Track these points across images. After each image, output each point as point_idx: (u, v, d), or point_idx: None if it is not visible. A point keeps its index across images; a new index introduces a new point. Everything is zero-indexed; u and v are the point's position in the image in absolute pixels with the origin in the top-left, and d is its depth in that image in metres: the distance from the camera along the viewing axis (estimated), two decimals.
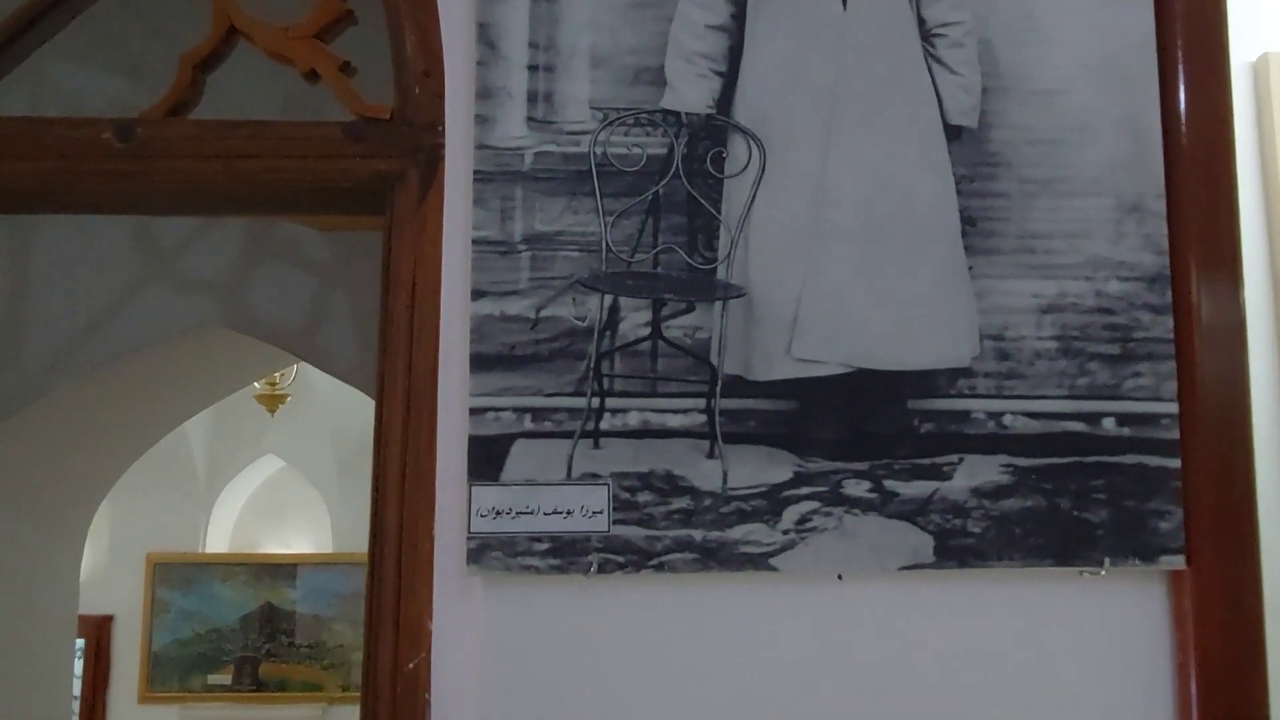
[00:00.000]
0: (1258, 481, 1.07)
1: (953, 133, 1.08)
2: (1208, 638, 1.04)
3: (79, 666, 5.44)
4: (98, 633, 5.04)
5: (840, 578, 1.04)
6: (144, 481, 4.55)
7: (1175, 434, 1.05)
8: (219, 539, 5.82)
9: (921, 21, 1.10)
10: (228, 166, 1.27)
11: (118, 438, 2.54)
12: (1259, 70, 1.92)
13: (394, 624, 1.10)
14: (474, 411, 1.02)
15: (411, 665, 1.08)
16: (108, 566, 5.27)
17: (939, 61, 1.09)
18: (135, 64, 2.10)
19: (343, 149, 1.27)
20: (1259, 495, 1.07)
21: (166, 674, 5.23)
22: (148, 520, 5.35)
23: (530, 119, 1.06)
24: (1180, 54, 1.11)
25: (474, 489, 1.01)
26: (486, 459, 1.01)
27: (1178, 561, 1.04)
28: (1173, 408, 1.06)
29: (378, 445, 1.15)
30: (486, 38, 1.07)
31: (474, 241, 1.04)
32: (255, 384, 4.60)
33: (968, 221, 1.07)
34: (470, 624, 1.02)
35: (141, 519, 5.32)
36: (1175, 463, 1.05)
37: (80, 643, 5.44)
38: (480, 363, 1.02)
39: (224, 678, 5.35)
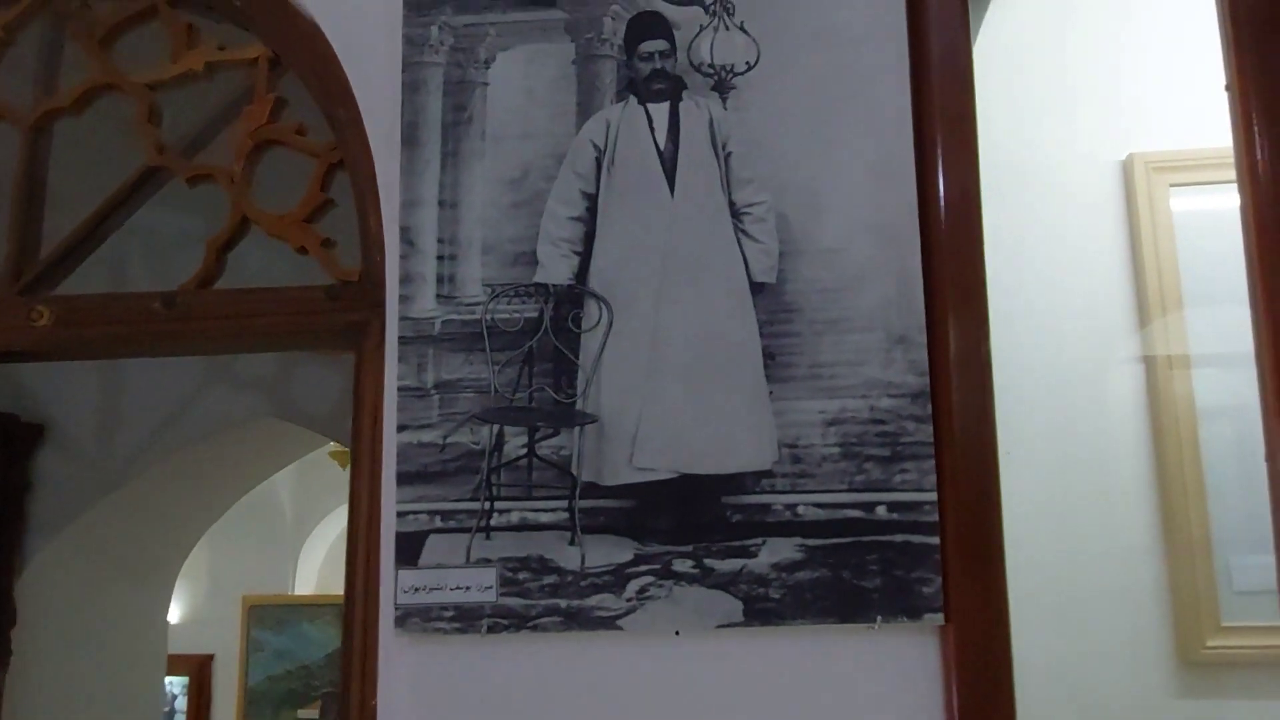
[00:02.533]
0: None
1: (756, 288, 1.40)
2: (966, 680, 1.31)
3: (183, 702, 6.01)
4: (200, 671, 5.61)
5: (678, 633, 1.35)
6: (239, 530, 5.07)
7: (935, 517, 1.34)
8: (306, 581, 6.34)
9: (732, 203, 1.42)
10: (242, 323, 1.69)
11: (192, 508, 3.00)
12: (1126, 169, 2.15)
13: (361, 671, 1.45)
14: (400, 515, 1.37)
15: (373, 702, 1.43)
16: (207, 609, 5.85)
17: (745, 233, 1.41)
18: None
19: (324, 306, 1.66)
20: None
21: (261, 708, 5.75)
22: (242, 565, 5.89)
23: (439, 295, 1.42)
24: (943, 218, 1.39)
25: (399, 572, 1.36)
26: (408, 549, 1.36)
27: (938, 618, 1.32)
28: (932, 496, 1.34)
29: (350, 537, 1.51)
30: (407, 238, 1.44)
31: (399, 390, 1.39)
32: (331, 442, 5.12)
33: (768, 356, 1.38)
34: (402, 673, 1.37)
35: (237, 564, 5.86)
36: (935, 540, 1.33)
37: (184, 680, 6.00)
38: (403, 478, 1.38)
39: (312, 712, 5.83)
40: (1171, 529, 1.99)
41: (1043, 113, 2.14)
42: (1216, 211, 2.04)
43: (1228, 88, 1.47)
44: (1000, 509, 1.34)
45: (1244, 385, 1.90)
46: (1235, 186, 2.05)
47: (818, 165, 1.43)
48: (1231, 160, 1.41)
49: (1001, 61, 2.18)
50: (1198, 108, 2.13)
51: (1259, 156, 1.40)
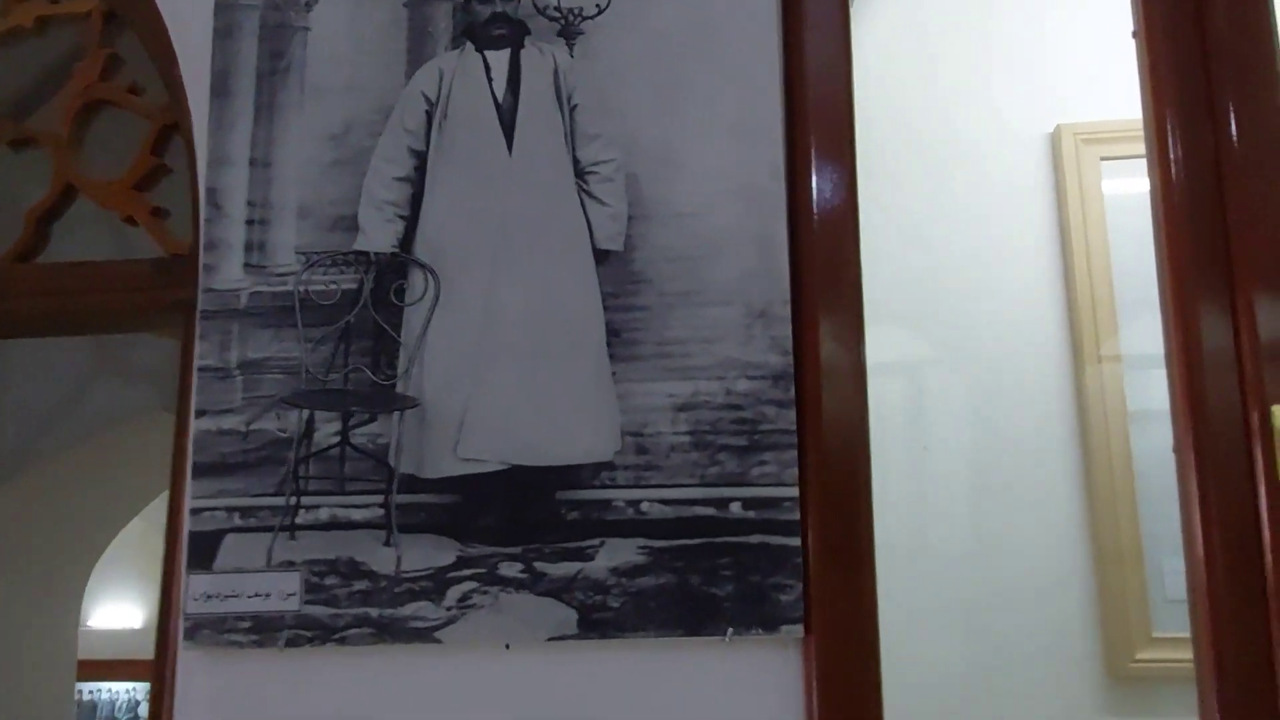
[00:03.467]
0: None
1: (601, 256, 1.24)
2: (830, 699, 1.15)
3: (145, 709, 5.83)
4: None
5: (508, 647, 1.19)
6: None
7: (796, 515, 1.18)
8: None
9: (576, 161, 1.27)
10: (61, 302, 1.53)
11: (96, 510, 2.85)
12: (1054, 141, 2.01)
13: (159, 689, 1.30)
14: (193, 512, 1.22)
15: None
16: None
17: (590, 195, 1.26)
18: None
19: (152, 282, 1.51)
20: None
21: None
22: None
23: (246, 265, 1.27)
24: (813, 177, 1.24)
25: (190, 577, 1.20)
26: (202, 551, 1.21)
27: (797, 630, 1.16)
28: (793, 492, 1.18)
29: (167, 538, 1.36)
30: (214, 200, 1.29)
31: (198, 369, 1.24)
32: None
33: (613, 333, 1.22)
34: (198, 692, 1.21)
35: None
36: (796, 541, 1.18)
37: (147, 686, 5.84)
38: (200, 470, 1.22)
39: None
40: (1100, 531, 1.84)
41: (965, 83, 2.00)
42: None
43: (1135, 34, 1.33)
44: (870, 506, 1.18)
45: None
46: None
47: (673, 120, 1.27)
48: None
49: (922, 29, 2.05)
50: (1132, 75, 1.99)
51: (1167, 114, 1.25)
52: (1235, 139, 1.20)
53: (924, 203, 1.93)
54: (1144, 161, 1.88)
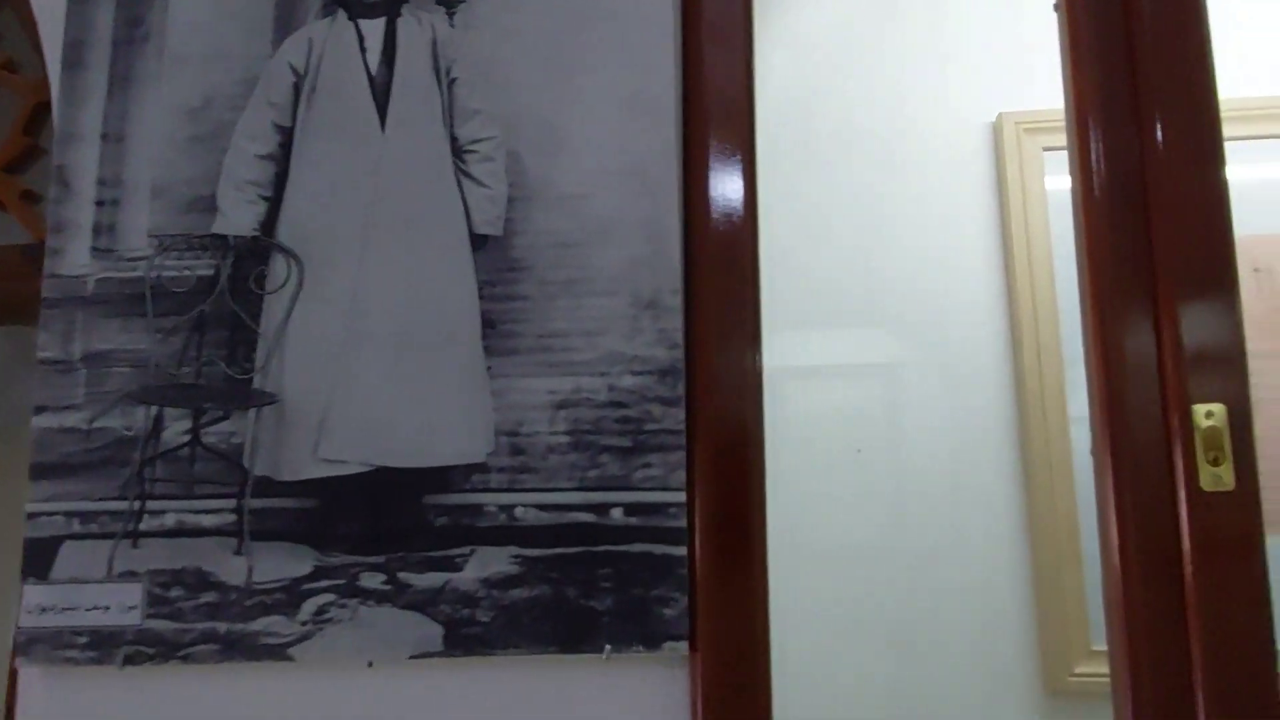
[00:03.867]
0: None
1: (478, 241, 1.15)
2: (716, 718, 1.07)
3: None
4: None
5: (371, 664, 1.10)
6: None
7: (682, 522, 1.09)
8: None
9: (454, 139, 1.17)
10: None
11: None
12: (996, 130, 1.93)
13: (11, 709, 1.20)
14: (30, 516, 1.12)
15: None
16: None
17: (468, 176, 1.17)
18: None
19: (19, 269, 1.42)
20: None
21: None
22: None
23: (94, 249, 1.17)
24: (709, 157, 1.16)
25: (26, 587, 1.11)
26: (38, 559, 1.11)
27: (681, 647, 1.07)
28: (680, 497, 1.09)
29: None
30: (62, 178, 1.19)
31: (39, 362, 1.15)
32: None
33: (488, 324, 1.13)
34: (36, 711, 1.12)
35: None
36: (681, 550, 1.09)
37: None
38: (38, 471, 1.12)
39: None
40: (1039, 542, 1.75)
41: (908, 71, 1.92)
42: None
43: (1056, 7, 1.25)
44: (764, 513, 1.09)
45: None
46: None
47: (560, 96, 1.19)
48: None
49: (866, 15, 1.97)
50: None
51: (1089, 116, 1.16)
52: (1161, 141, 1.12)
53: (865, 192, 1.85)
54: None
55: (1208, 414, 1.03)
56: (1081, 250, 1.12)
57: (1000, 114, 1.85)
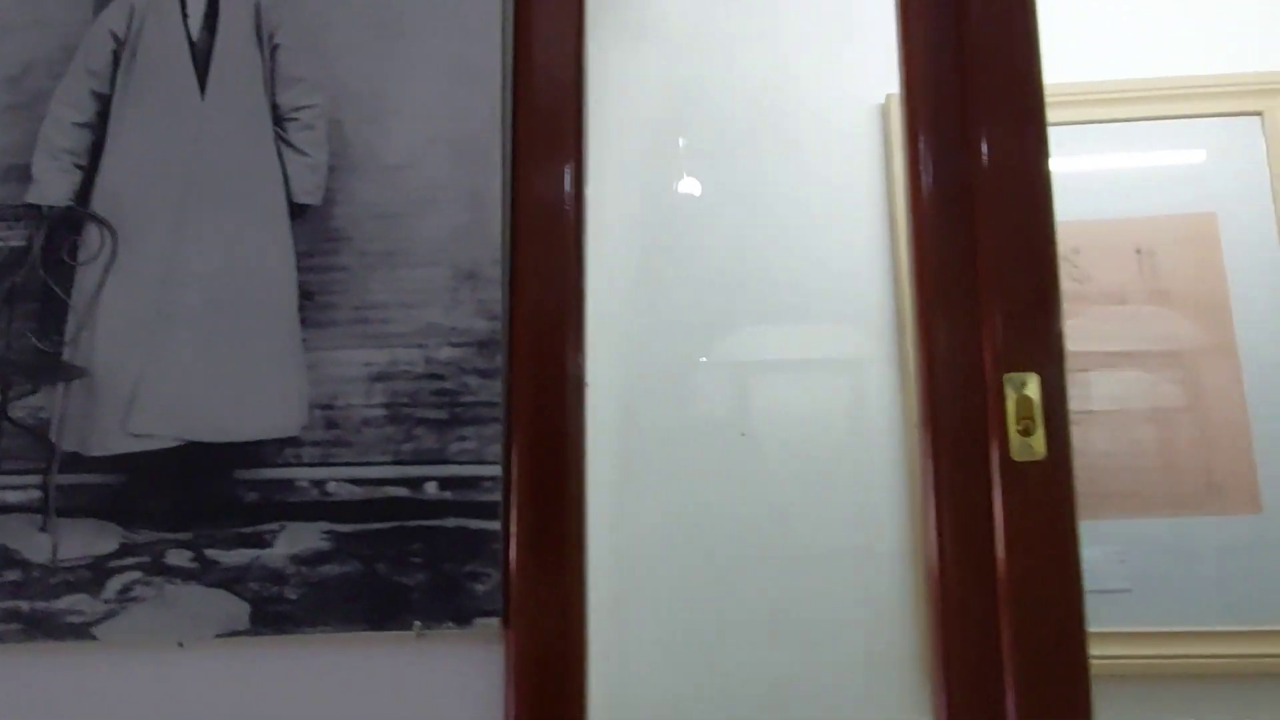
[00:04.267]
0: None
1: (297, 211, 1.13)
2: (527, 699, 1.04)
3: None
4: None
5: (181, 644, 1.08)
6: None
7: (497, 496, 1.07)
8: None
9: (275, 107, 1.15)
10: None
11: None
12: (885, 112, 1.92)
13: None
14: None
15: None
16: None
17: (289, 144, 1.14)
18: None
19: None
20: None
21: None
22: None
23: None
24: (535, 128, 1.14)
25: None
26: None
27: (493, 623, 1.05)
28: (495, 470, 1.07)
29: None
30: None
31: None
32: None
33: (305, 295, 1.11)
34: None
35: None
36: (495, 525, 1.07)
37: None
38: None
39: None
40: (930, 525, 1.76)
41: (798, 51, 1.91)
42: None
43: None
44: (582, 488, 1.07)
45: None
46: None
47: (385, 64, 1.17)
48: None
49: None
50: None
51: (920, 136, 1.14)
52: (986, 164, 1.11)
53: (752, 177, 1.83)
54: None
55: (1020, 384, 1.02)
56: (911, 250, 1.11)
57: (889, 94, 1.84)
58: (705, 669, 1.70)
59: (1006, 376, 1.02)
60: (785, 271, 1.83)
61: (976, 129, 1.08)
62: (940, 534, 1.03)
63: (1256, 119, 1.77)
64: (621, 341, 1.86)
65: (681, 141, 1.87)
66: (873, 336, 1.79)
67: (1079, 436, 1.66)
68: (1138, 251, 1.76)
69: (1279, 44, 1.79)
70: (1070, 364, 1.66)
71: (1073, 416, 1.63)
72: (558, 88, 1.15)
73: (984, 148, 1.07)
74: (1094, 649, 1.62)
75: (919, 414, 1.07)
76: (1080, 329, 1.73)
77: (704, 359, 1.82)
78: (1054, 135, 1.74)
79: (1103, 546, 1.67)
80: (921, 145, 1.10)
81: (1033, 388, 1.01)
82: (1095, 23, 1.85)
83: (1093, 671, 1.65)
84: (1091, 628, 1.63)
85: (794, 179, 1.85)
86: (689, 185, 1.90)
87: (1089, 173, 1.78)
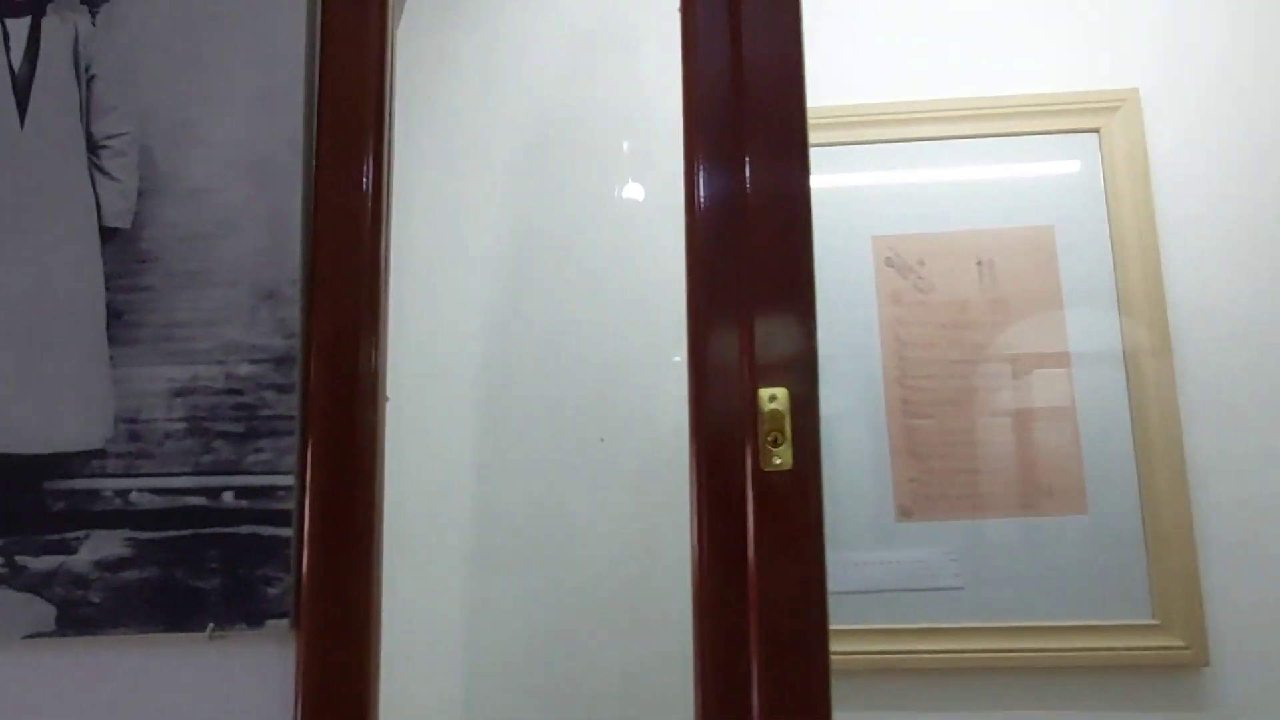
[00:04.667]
0: None
1: (107, 234, 1.19)
2: (315, 697, 1.11)
3: None
4: None
5: None
6: None
7: (290, 505, 1.14)
8: None
9: (90, 135, 1.21)
10: None
11: None
12: None
13: None
14: None
15: None
16: None
17: (101, 170, 1.20)
18: None
19: None
20: None
21: None
22: None
23: None
24: (334, 154, 1.20)
25: None
26: None
27: (283, 624, 1.12)
28: (289, 480, 1.14)
29: None
30: None
31: None
32: None
33: (114, 314, 1.17)
34: None
35: None
36: (288, 531, 1.13)
37: None
38: None
39: None
40: None
41: (644, 67, 1.98)
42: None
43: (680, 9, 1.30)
44: (376, 498, 1.14)
45: (850, 383, 1.75)
46: (856, 149, 1.87)
47: (195, 92, 1.23)
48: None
49: (609, 11, 2.02)
50: (818, 66, 1.98)
51: (698, 158, 1.21)
52: (750, 187, 1.17)
53: (577, 189, 1.90)
54: (832, 150, 1.88)
55: (771, 398, 1.09)
56: (686, 251, 1.17)
57: None
58: (557, 666, 1.77)
59: (760, 390, 1.09)
60: (602, 277, 1.89)
61: (744, 154, 1.15)
62: (700, 538, 1.10)
63: (1094, 135, 1.85)
64: (498, 349, 1.93)
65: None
66: None
67: (918, 441, 1.73)
68: (979, 262, 1.83)
69: (1115, 65, 1.87)
70: (911, 371, 1.74)
71: (913, 422, 1.71)
72: (357, 116, 1.21)
73: (749, 171, 1.14)
74: (928, 644, 1.70)
75: (689, 424, 1.14)
76: (923, 337, 1.81)
77: (570, 357, 1.89)
78: (903, 151, 1.83)
79: (938, 547, 1.75)
80: (698, 168, 1.17)
81: (782, 401, 1.08)
82: (945, 44, 1.92)
83: (925, 665, 1.73)
84: (926, 624, 1.72)
85: (609, 203, 1.92)
86: (534, 198, 1.96)
87: (936, 187, 1.85)
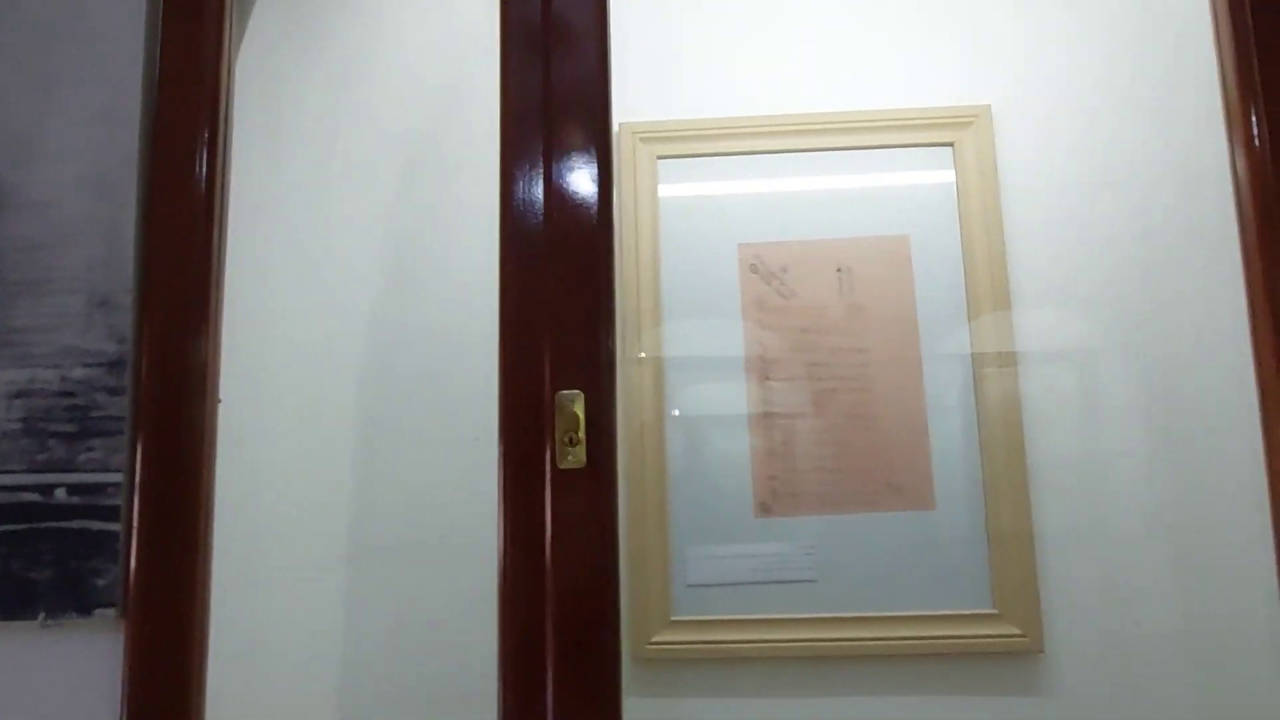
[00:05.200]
0: None
1: None
2: (141, 684, 1.18)
3: None
4: None
5: None
6: None
7: (119, 501, 1.20)
8: None
9: None
10: None
11: None
12: (617, 140, 2.06)
13: None
14: None
15: None
16: None
17: None
18: None
19: None
20: None
21: None
22: None
23: None
24: (165, 170, 1.26)
25: None
26: None
27: (111, 614, 1.18)
28: (118, 478, 1.21)
29: None
30: None
31: None
32: None
33: None
34: None
35: None
36: (116, 526, 1.20)
37: None
38: None
39: None
40: (634, 520, 1.89)
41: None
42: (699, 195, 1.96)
43: None
44: (203, 494, 1.21)
45: (720, 381, 1.82)
46: (723, 160, 1.95)
47: (38, 110, 1.28)
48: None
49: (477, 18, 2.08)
50: (686, 79, 2.06)
51: (512, 167, 1.29)
52: (555, 197, 1.25)
53: (445, 192, 1.97)
54: (700, 160, 1.96)
55: (570, 399, 1.16)
56: (500, 260, 1.24)
57: (621, 124, 1.98)
58: (430, 661, 1.83)
59: (558, 394, 1.16)
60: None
61: (551, 165, 1.23)
62: (505, 534, 1.17)
63: (948, 149, 1.94)
64: (374, 349, 1.99)
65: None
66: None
67: (778, 440, 1.82)
68: (839, 270, 1.91)
69: (968, 82, 1.96)
70: (773, 373, 1.82)
71: (774, 422, 1.79)
72: (191, 132, 1.27)
73: (554, 181, 1.22)
74: (782, 634, 1.79)
75: (499, 424, 1.21)
76: (784, 341, 1.89)
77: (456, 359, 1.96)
78: (769, 162, 1.91)
79: (794, 541, 1.83)
80: (515, 178, 1.24)
81: (579, 404, 1.15)
82: (810, 60, 2.00)
83: (780, 654, 1.81)
84: (780, 614, 1.80)
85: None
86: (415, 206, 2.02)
87: (800, 196, 1.94)
